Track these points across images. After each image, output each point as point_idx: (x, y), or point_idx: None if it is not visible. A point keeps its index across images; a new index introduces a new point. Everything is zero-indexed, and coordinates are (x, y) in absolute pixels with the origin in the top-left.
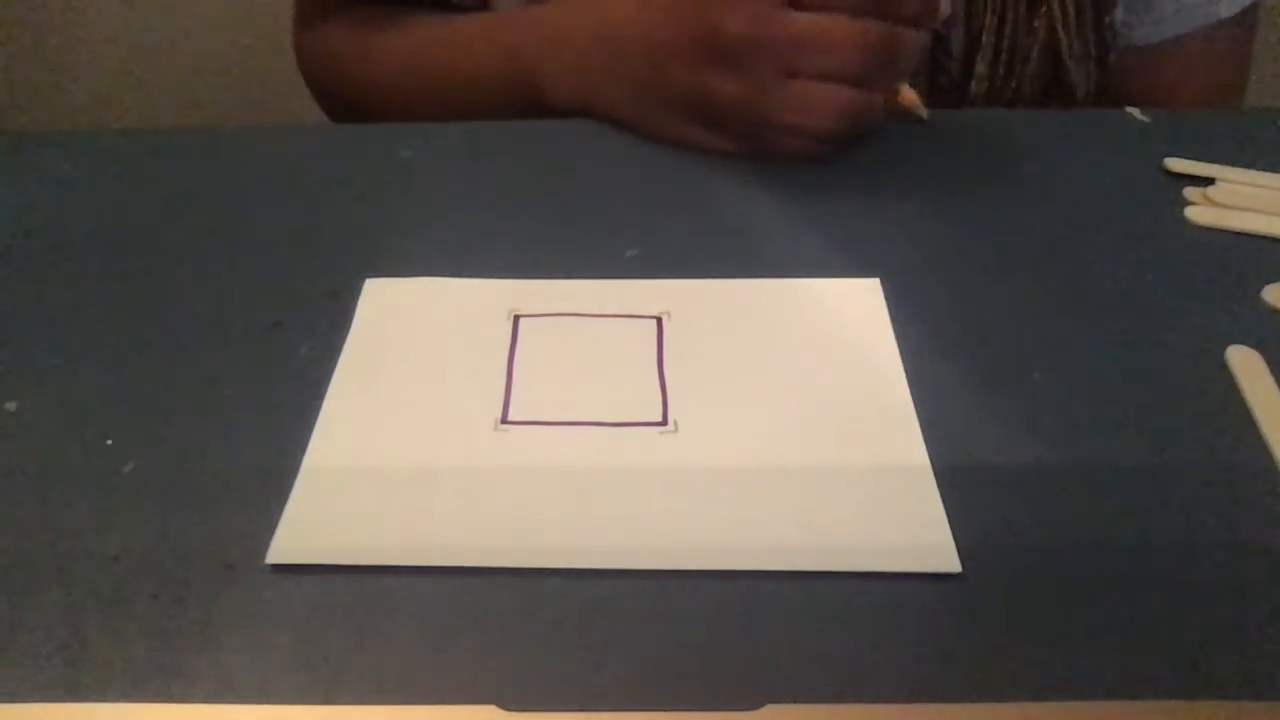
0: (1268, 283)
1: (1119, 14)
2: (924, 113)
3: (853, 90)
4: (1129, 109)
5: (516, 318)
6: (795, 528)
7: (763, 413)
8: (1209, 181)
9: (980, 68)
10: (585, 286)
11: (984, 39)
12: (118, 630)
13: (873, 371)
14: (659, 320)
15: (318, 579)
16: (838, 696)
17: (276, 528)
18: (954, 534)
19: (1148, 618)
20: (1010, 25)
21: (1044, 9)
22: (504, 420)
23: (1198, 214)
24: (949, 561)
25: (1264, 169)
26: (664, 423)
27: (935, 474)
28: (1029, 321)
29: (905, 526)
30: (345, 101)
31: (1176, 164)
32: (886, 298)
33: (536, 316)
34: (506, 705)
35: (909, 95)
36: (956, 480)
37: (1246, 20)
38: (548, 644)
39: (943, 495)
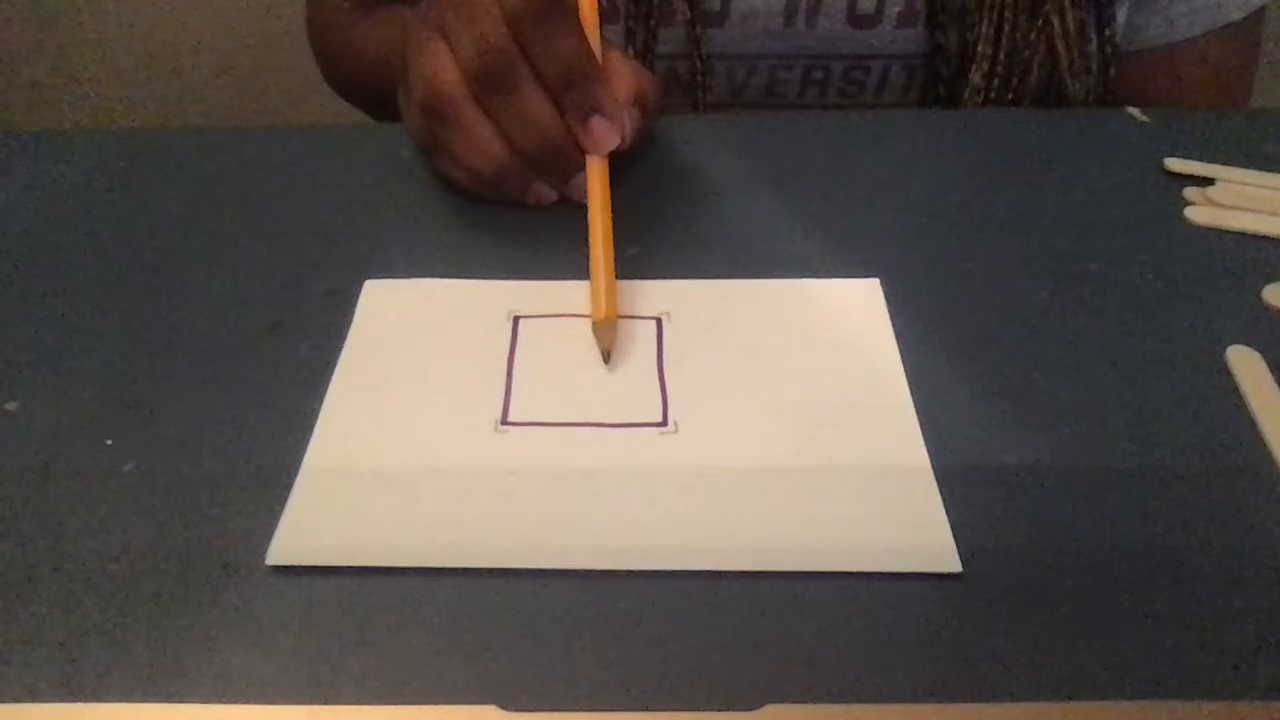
0: (1268, 283)
1: (1123, 13)
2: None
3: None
4: (1129, 109)
5: (516, 319)
6: (796, 528)
7: (763, 413)
8: (1209, 181)
9: (975, 79)
10: (585, 287)
11: (980, 49)
12: (118, 630)
13: (873, 371)
14: (659, 320)
15: (318, 579)
16: (838, 696)
17: (276, 528)
18: (954, 534)
19: (1147, 618)
20: (1008, 36)
21: (1043, 21)
22: (504, 421)
23: (1198, 214)
24: (949, 561)
25: (1264, 169)
26: (664, 423)
27: (935, 474)
28: (1029, 321)
29: (905, 526)
30: (336, 75)
31: (1176, 164)
32: (886, 298)
33: (536, 317)
34: (506, 705)
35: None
36: (956, 480)
37: (1254, 23)
38: (548, 644)
39: (943, 495)
